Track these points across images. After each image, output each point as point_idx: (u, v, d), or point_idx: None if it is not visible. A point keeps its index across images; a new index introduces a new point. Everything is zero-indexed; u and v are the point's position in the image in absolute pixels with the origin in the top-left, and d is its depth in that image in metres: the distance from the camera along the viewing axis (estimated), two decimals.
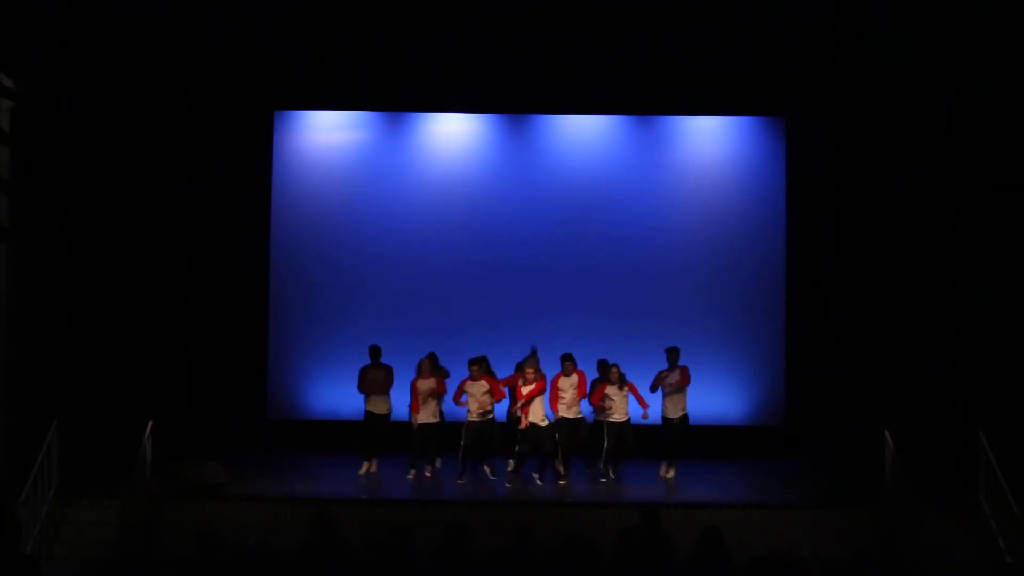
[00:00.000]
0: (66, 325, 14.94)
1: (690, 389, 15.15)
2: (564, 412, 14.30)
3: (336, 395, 16.38)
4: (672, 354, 14.93)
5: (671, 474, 14.76)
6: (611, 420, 14.46)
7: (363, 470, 14.82)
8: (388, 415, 14.84)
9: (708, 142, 17.06)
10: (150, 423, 13.74)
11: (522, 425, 14.14)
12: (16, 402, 14.08)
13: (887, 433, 13.66)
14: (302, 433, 16.56)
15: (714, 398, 16.34)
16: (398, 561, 8.08)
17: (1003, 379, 14.94)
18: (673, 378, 14.81)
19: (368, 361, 14.89)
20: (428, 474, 14.61)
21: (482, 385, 14.26)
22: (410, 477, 14.49)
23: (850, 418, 15.53)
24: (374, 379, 14.77)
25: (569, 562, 8.03)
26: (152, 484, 13.41)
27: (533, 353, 15.00)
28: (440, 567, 8.09)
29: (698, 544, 8.28)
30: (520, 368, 14.59)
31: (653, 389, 14.82)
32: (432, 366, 14.67)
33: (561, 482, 14.24)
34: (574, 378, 14.37)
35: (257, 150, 16.81)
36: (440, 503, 13.23)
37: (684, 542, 8.84)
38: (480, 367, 14.36)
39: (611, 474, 14.47)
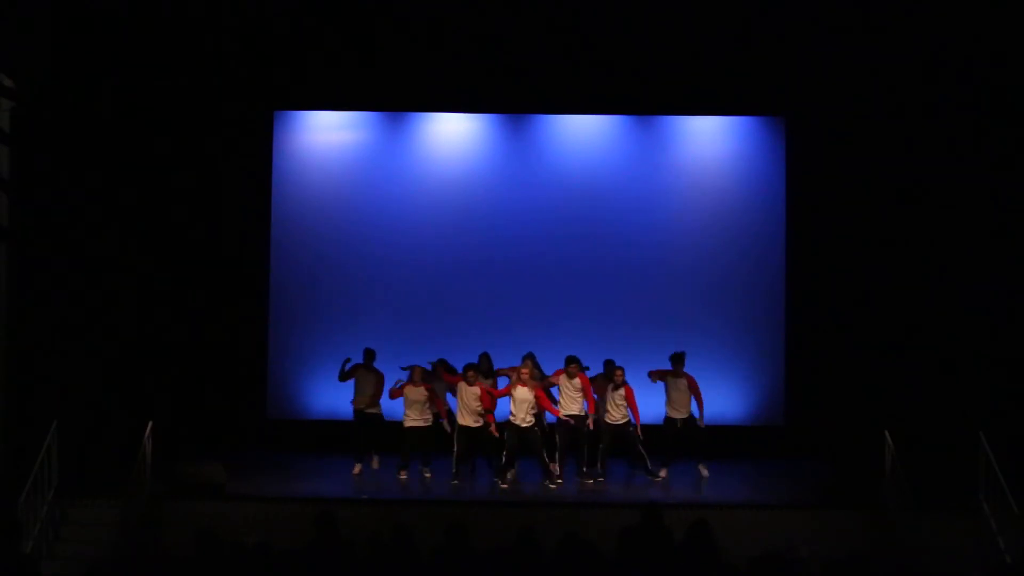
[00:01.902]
0: (66, 325, 14.93)
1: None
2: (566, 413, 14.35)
3: (336, 395, 16.37)
4: (676, 360, 14.94)
5: (663, 473, 14.79)
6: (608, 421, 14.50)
7: (356, 470, 14.81)
8: (379, 414, 14.87)
9: (708, 142, 17.06)
10: (150, 423, 13.74)
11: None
12: (16, 402, 14.08)
13: (887, 433, 13.66)
14: (302, 433, 16.57)
15: (714, 398, 16.30)
16: (398, 561, 8.08)
17: (1003, 379, 14.93)
18: (681, 384, 14.80)
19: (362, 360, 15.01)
20: (428, 475, 14.60)
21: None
22: (402, 477, 14.48)
23: (850, 418, 15.53)
24: (363, 380, 14.82)
25: (569, 562, 8.03)
26: (152, 484, 13.41)
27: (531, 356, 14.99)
28: (440, 567, 8.09)
29: (687, 538, 8.28)
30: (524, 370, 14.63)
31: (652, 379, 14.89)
32: (424, 374, 14.71)
33: (559, 482, 14.31)
34: (577, 381, 14.38)
35: (257, 150, 16.81)
36: (440, 503, 13.22)
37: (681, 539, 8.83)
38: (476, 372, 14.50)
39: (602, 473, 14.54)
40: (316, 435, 16.38)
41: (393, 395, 14.65)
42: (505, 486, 14.07)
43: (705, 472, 14.84)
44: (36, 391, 14.30)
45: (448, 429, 14.45)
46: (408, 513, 12.56)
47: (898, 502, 12.89)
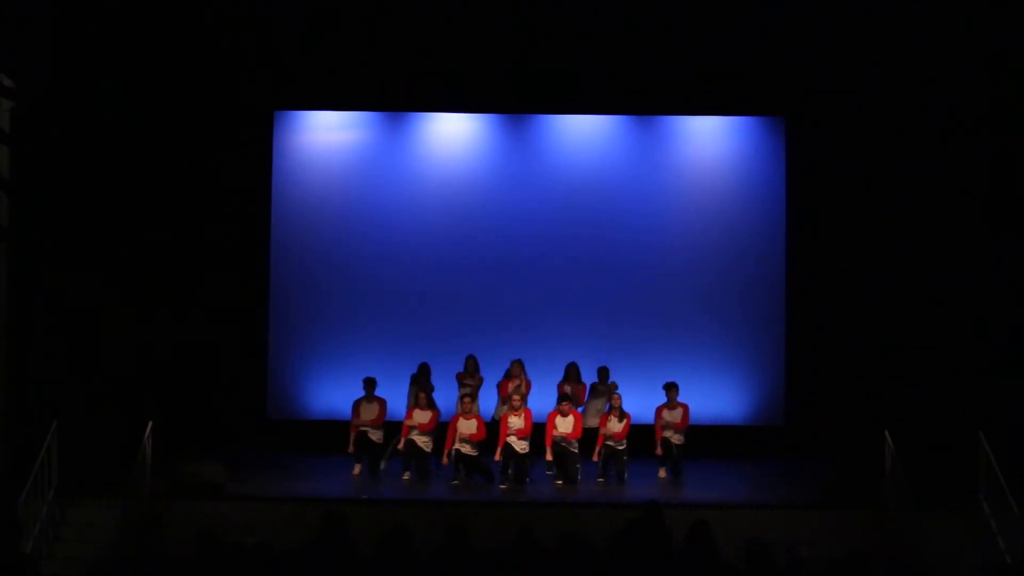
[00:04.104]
0: (66, 325, 14.93)
1: (691, 389, 15.18)
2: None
3: (336, 395, 16.38)
4: (671, 390, 14.89)
5: (663, 474, 14.82)
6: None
7: (356, 471, 14.79)
8: (381, 443, 14.82)
9: (708, 142, 17.06)
10: (150, 423, 13.73)
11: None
12: (16, 402, 14.08)
13: (887, 433, 13.65)
14: (302, 433, 16.56)
15: (714, 398, 16.34)
16: (398, 561, 8.08)
17: (1003, 379, 14.93)
18: (675, 417, 14.77)
19: (362, 393, 14.90)
20: (405, 478, 14.55)
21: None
22: (405, 478, 14.47)
23: (850, 418, 15.53)
24: (368, 413, 14.75)
25: (569, 562, 8.03)
26: (152, 484, 13.40)
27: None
28: (440, 567, 8.09)
29: (687, 538, 8.27)
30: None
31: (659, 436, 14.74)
32: (429, 399, 14.71)
33: (558, 482, 14.32)
34: (571, 419, 14.41)
35: (257, 150, 16.81)
36: (440, 503, 13.22)
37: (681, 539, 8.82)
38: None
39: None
40: (316, 435, 16.36)
41: (407, 419, 14.57)
42: (505, 486, 14.08)
43: (663, 475, 14.82)
44: (36, 391, 14.30)
45: (446, 461, 14.42)
46: (408, 513, 12.54)
47: (898, 502, 12.88)
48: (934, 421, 14.85)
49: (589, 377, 15.32)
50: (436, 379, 15.37)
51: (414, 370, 15.47)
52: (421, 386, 14.99)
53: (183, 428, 15.27)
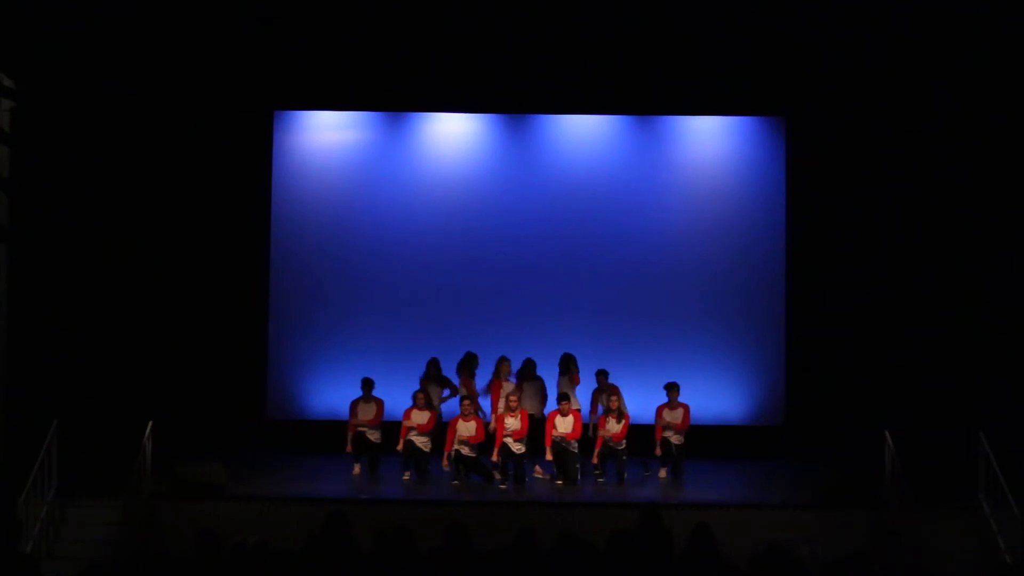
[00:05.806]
0: (66, 325, 14.94)
1: (690, 390, 15.18)
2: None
3: (336, 395, 16.38)
4: (672, 390, 14.90)
5: (663, 474, 14.83)
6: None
7: (355, 471, 14.79)
8: (379, 444, 14.83)
9: (708, 142, 17.06)
10: (150, 423, 13.74)
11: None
12: (16, 402, 14.09)
13: (887, 433, 13.66)
14: (302, 433, 16.56)
15: (714, 398, 16.33)
16: (398, 561, 8.08)
17: (1003, 379, 14.93)
18: (675, 417, 14.78)
19: (360, 393, 14.92)
20: (405, 478, 14.54)
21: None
22: (405, 478, 14.48)
23: (850, 418, 15.54)
24: (365, 413, 14.78)
25: (568, 562, 8.03)
26: (152, 484, 13.41)
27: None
28: (440, 567, 8.09)
29: (689, 541, 8.28)
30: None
31: (659, 435, 14.73)
32: (427, 400, 14.70)
33: (558, 482, 14.32)
34: (571, 418, 14.38)
35: (257, 150, 16.81)
36: (440, 503, 13.21)
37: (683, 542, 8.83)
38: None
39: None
40: (316, 435, 16.36)
41: (405, 419, 14.58)
42: (504, 486, 14.08)
43: (663, 475, 14.83)
44: (36, 391, 14.30)
45: (446, 463, 14.39)
46: (408, 513, 12.56)
47: (898, 502, 12.89)
48: (934, 421, 14.85)
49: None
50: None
51: (414, 370, 15.43)
52: (423, 386, 14.96)
53: (183, 428, 15.27)
